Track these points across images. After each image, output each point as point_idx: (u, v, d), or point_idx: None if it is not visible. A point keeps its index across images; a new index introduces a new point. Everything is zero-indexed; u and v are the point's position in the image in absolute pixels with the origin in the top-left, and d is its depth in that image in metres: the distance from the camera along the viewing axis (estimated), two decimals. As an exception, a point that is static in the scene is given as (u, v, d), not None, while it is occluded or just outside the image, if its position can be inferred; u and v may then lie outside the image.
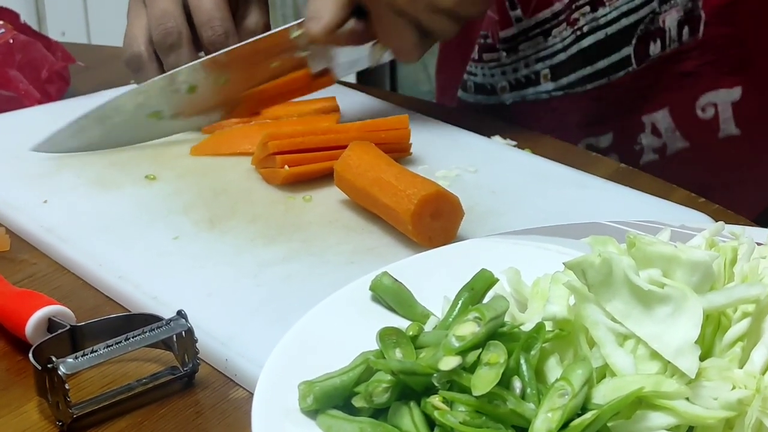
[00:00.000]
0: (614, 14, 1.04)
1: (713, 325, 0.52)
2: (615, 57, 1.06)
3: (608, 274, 0.51)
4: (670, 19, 1.03)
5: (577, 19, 1.05)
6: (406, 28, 0.91)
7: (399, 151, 0.88)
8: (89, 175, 0.87)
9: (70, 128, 0.91)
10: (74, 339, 0.63)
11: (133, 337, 0.60)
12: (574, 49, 1.06)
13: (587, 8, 1.05)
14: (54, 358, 0.58)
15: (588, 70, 1.07)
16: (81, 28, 2.58)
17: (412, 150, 0.89)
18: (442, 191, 0.74)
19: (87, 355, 0.59)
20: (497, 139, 0.95)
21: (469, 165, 0.88)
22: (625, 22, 1.04)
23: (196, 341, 0.61)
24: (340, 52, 0.97)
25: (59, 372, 0.57)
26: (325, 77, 0.98)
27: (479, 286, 0.59)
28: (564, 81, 1.08)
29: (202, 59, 0.94)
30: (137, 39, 0.96)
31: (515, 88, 1.11)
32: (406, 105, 1.03)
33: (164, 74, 0.93)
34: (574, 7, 1.04)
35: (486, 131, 0.96)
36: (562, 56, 1.08)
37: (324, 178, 0.83)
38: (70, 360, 0.58)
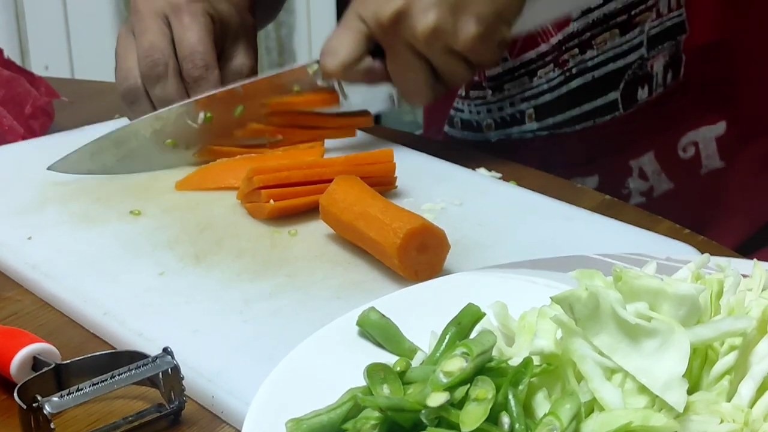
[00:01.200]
0: (602, 58, 1.05)
1: (700, 359, 0.52)
2: (601, 101, 1.07)
3: (595, 308, 0.51)
4: (658, 65, 1.05)
5: (567, 61, 1.06)
6: (421, 69, 0.92)
7: (384, 185, 0.88)
8: (74, 211, 0.87)
9: (86, 150, 0.92)
10: (59, 377, 0.62)
11: (118, 375, 0.60)
12: (563, 90, 1.07)
13: (576, 50, 1.06)
14: (39, 397, 0.57)
15: (575, 111, 1.07)
16: (64, 62, 2.58)
17: (397, 183, 0.89)
18: (428, 225, 0.74)
19: (72, 393, 0.58)
20: (482, 171, 0.96)
21: (455, 198, 0.88)
22: (612, 66, 1.05)
23: (182, 378, 0.61)
24: (356, 92, 0.98)
25: (45, 411, 0.57)
26: (361, 118, 0.99)
27: (466, 320, 0.59)
28: (550, 121, 1.09)
29: (219, 90, 0.95)
30: (132, 72, 0.98)
31: (500, 126, 1.12)
32: (390, 138, 1.03)
33: (182, 102, 0.95)
34: (564, 48, 1.05)
35: (471, 164, 0.96)
36: (547, 97, 1.08)
37: (310, 212, 0.83)
38: (55, 399, 0.58)
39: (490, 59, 0.94)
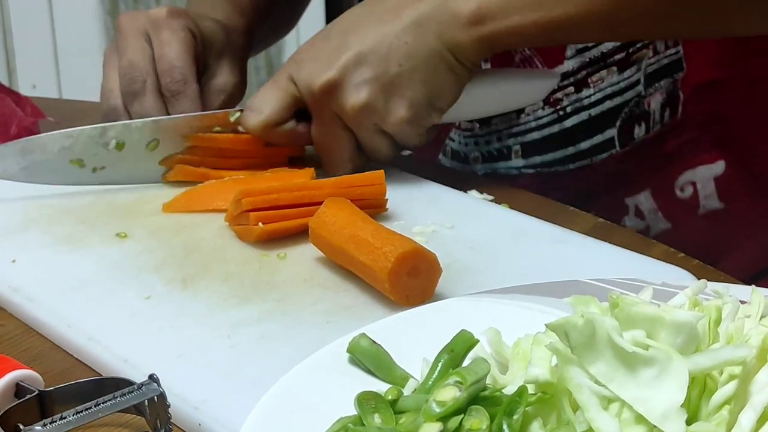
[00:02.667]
0: (599, 96, 1.04)
1: (699, 388, 0.51)
2: (598, 138, 1.06)
3: (591, 336, 0.50)
4: (655, 102, 1.04)
5: (560, 99, 1.05)
6: (345, 141, 0.92)
7: (375, 207, 0.87)
8: (58, 234, 0.86)
9: None
10: (43, 404, 0.61)
11: (103, 403, 0.59)
12: (554, 128, 1.06)
13: (571, 89, 1.05)
14: (22, 426, 0.57)
15: (570, 150, 1.07)
16: (52, 81, 2.58)
17: (388, 206, 0.88)
18: (420, 248, 0.73)
19: (56, 422, 0.57)
20: (474, 194, 0.95)
21: (446, 221, 0.87)
22: (609, 104, 1.04)
23: (168, 406, 0.60)
24: None
25: (27, 440, 0.56)
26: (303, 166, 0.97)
27: (459, 347, 0.58)
28: (537, 159, 1.08)
29: (132, 121, 0.95)
30: (113, 92, 0.98)
31: (487, 160, 1.11)
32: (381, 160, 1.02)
33: (95, 125, 0.94)
34: (557, 86, 1.04)
35: (462, 186, 0.95)
36: (535, 135, 1.08)
37: (299, 235, 0.82)
38: (38, 428, 0.57)
39: (417, 142, 0.93)
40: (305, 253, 0.81)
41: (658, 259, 0.80)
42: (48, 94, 2.17)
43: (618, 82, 1.04)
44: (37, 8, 2.55)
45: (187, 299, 0.75)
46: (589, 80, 1.04)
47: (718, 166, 1.05)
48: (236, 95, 1.04)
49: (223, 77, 1.02)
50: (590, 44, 1.03)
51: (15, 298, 0.76)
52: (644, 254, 0.80)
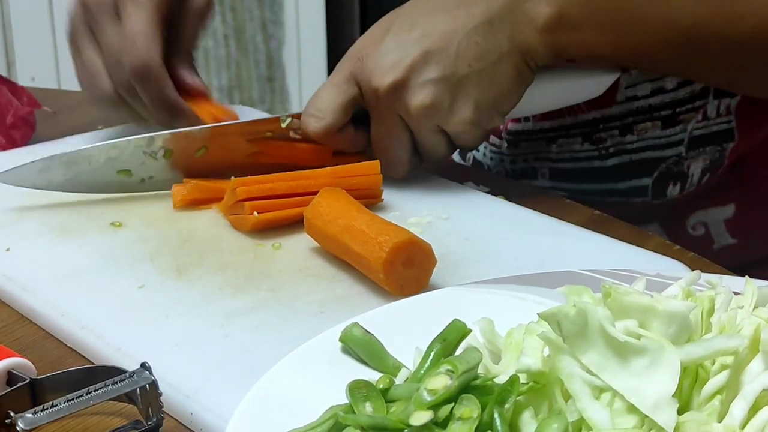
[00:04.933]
0: (641, 144, 1.03)
1: (691, 378, 0.51)
2: (635, 182, 1.04)
3: (584, 326, 0.50)
4: (695, 166, 1.02)
5: (604, 139, 1.04)
6: (405, 143, 0.90)
7: (370, 198, 0.87)
8: (53, 223, 0.86)
9: (35, 166, 0.89)
10: (34, 392, 0.61)
11: (95, 391, 0.59)
12: (595, 164, 1.05)
13: (616, 132, 1.03)
14: (12, 413, 0.56)
15: (607, 185, 1.05)
16: (51, 73, 2.57)
17: (383, 196, 0.88)
18: (415, 239, 0.73)
19: (47, 409, 0.57)
20: (470, 185, 0.94)
21: (442, 212, 0.87)
22: (650, 154, 1.03)
23: (160, 394, 0.59)
24: None
25: (18, 428, 0.56)
26: (350, 158, 0.94)
27: (452, 337, 0.57)
28: (566, 185, 1.07)
29: (179, 129, 0.92)
30: (101, 75, 0.96)
31: (510, 175, 1.10)
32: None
33: (142, 135, 0.92)
34: (601, 126, 1.03)
35: (459, 178, 0.95)
36: (567, 165, 1.06)
37: (294, 225, 0.82)
38: (29, 415, 0.56)
39: (475, 144, 0.91)
40: (300, 243, 0.80)
41: (653, 251, 0.79)
42: (47, 86, 2.16)
43: (660, 137, 1.02)
44: (37, 1, 2.55)
45: (181, 288, 0.75)
46: (635, 128, 1.02)
47: (729, 210, 1.04)
48: (207, 13, 1.02)
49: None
50: (639, 95, 1.02)
51: (9, 287, 0.76)
52: (639, 246, 0.80)
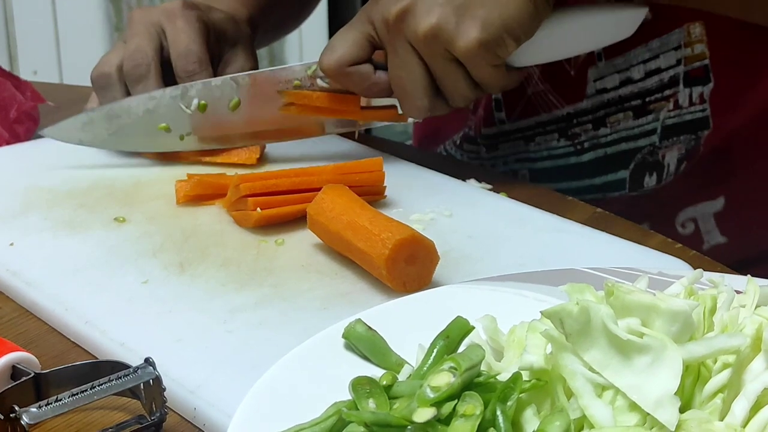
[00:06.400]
0: (615, 136, 1.03)
1: (693, 376, 0.51)
2: (611, 176, 1.05)
3: (586, 323, 0.50)
4: (671, 156, 1.03)
5: (578, 134, 1.05)
6: (419, 73, 0.89)
7: (373, 194, 0.87)
8: (57, 218, 0.86)
9: (78, 119, 0.93)
10: (38, 387, 0.61)
11: (99, 386, 0.59)
12: (571, 160, 1.06)
13: (589, 125, 1.04)
14: (17, 408, 0.56)
15: (585, 182, 1.06)
16: (53, 68, 2.57)
17: (386, 193, 0.88)
18: (417, 236, 0.73)
19: (51, 404, 0.57)
20: (473, 182, 0.95)
21: (444, 209, 0.87)
22: (625, 146, 1.04)
23: (164, 390, 0.60)
24: None
25: (22, 422, 0.56)
26: (382, 112, 0.96)
27: (455, 334, 0.58)
28: (547, 186, 1.07)
29: (212, 79, 0.96)
30: (110, 61, 0.99)
31: None
32: (380, 147, 1.02)
33: (176, 85, 0.95)
34: (575, 121, 1.04)
35: (461, 175, 0.95)
36: (546, 163, 1.07)
37: (297, 221, 0.82)
38: (33, 409, 0.57)
39: (492, 78, 0.89)
40: (303, 239, 0.81)
41: (655, 249, 0.80)
42: (49, 81, 2.16)
43: (633, 128, 1.03)
44: (39, -6, 2.55)
45: (184, 284, 0.75)
46: (607, 120, 1.03)
47: (718, 203, 1.04)
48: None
49: (239, 63, 1.03)
50: (609, 87, 1.02)
51: (13, 281, 0.76)
52: (642, 244, 0.80)
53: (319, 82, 0.95)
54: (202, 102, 0.94)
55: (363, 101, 0.96)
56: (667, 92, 1.01)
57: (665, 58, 1.01)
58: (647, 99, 1.02)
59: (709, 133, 1.02)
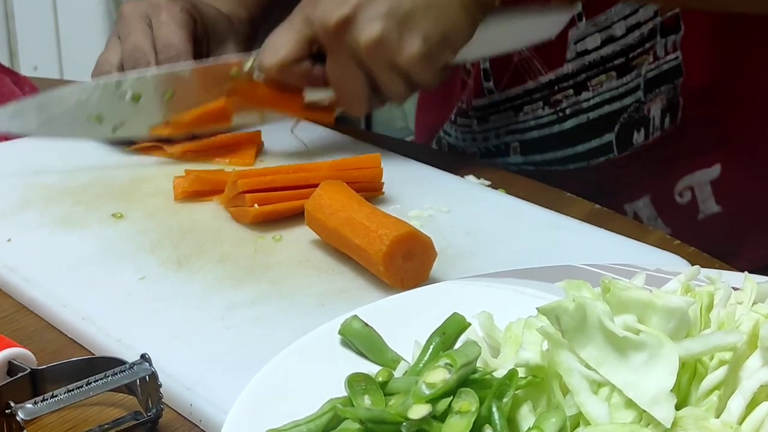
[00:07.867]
0: (597, 100, 1.04)
1: (689, 373, 0.51)
2: (596, 142, 1.06)
3: (582, 320, 0.50)
4: (655, 108, 1.03)
5: (560, 101, 1.05)
6: (360, 79, 0.91)
7: (371, 191, 0.87)
8: (54, 214, 0.86)
9: (7, 110, 0.92)
10: (35, 383, 0.61)
11: (95, 382, 0.59)
12: (554, 129, 1.06)
13: (570, 91, 1.05)
14: (13, 404, 0.56)
15: (569, 151, 1.06)
16: (53, 63, 2.57)
17: (384, 189, 0.88)
18: (415, 232, 0.73)
19: (47, 400, 0.57)
20: (471, 178, 0.95)
21: (442, 205, 0.87)
22: (608, 108, 1.04)
23: (160, 386, 0.59)
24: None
25: (18, 418, 0.56)
26: (322, 111, 0.98)
27: (451, 330, 0.57)
28: (536, 158, 1.08)
29: (147, 71, 0.96)
30: (109, 61, 0.99)
31: (485, 155, 1.12)
32: (379, 143, 1.02)
33: (109, 75, 0.95)
34: (556, 88, 1.04)
35: (459, 171, 0.95)
36: (534, 134, 1.08)
37: (294, 217, 0.82)
38: (29, 405, 0.56)
39: (431, 80, 0.92)
40: (301, 236, 0.80)
41: (654, 245, 0.80)
42: (50, 76, 2.16)
43: (617, 87, 1.03)
44: (40, -9, 2.55)
45: (181, 280, 0.75)
46: (589, 84, 1.04)
47: (714, 171, 1.05)
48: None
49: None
50: (590, 48, 1.03)
51: (10, 277, 0.76)
52: (640, 241, 0.80)
53: (256, 74, 0.96)
54: (136, 93, 0.94)
55: (306, 99, 0.97)
56: (647, 45, 1.03)
57: (644, 11, 1.02)
58: (630, 55, 1.03)
59: (682, 81, 1.03)
